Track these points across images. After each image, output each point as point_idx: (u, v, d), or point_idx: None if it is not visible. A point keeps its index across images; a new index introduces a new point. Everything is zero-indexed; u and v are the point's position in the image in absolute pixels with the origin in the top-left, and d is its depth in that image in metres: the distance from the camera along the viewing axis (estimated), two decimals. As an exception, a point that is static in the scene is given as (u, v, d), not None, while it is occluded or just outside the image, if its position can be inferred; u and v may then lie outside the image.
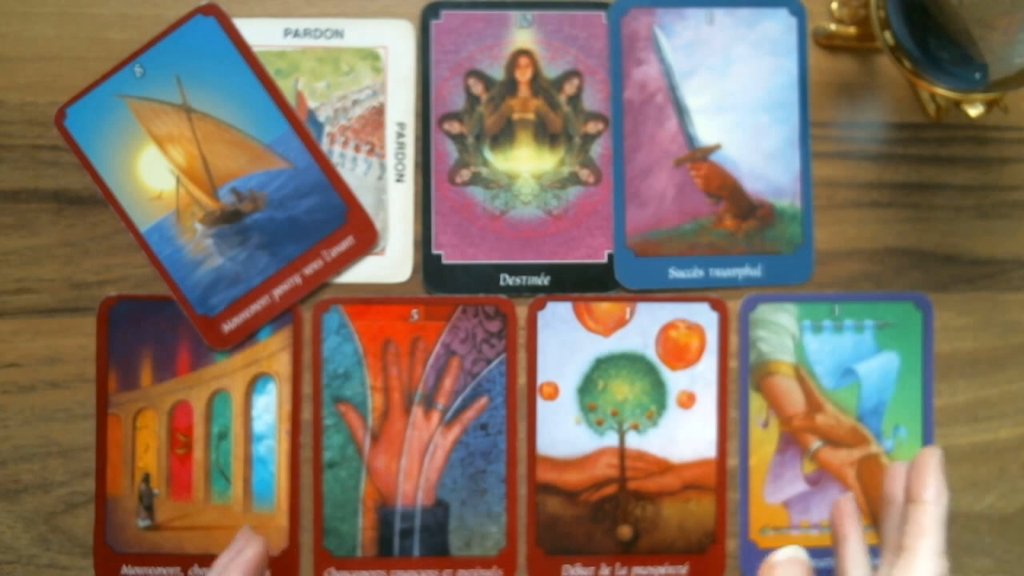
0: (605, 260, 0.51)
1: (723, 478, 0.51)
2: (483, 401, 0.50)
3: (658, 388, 0.51)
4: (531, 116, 0.51)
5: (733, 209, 0.51)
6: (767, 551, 0.51)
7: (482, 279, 0.51)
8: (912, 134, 0.53)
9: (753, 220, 0.52)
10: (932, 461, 0.41)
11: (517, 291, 0.51)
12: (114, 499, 0.50)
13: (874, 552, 0.52)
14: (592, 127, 0.51)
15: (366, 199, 0.50)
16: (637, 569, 0.51)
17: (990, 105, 0.48)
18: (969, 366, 0.53)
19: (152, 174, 0.50)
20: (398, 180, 0.51)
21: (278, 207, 0.50)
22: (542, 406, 0.51)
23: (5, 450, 0.50)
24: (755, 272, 0.51)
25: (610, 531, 0.51)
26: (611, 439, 0.51)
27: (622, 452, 0.51)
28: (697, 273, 0.51)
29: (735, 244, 0.51)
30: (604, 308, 0.51)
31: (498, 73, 0.51)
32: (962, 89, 0.47)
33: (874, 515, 0.52)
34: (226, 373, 0.50)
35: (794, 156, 0.52)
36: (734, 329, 0.51)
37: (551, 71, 0.51)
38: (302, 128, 0.50)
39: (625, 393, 0.51)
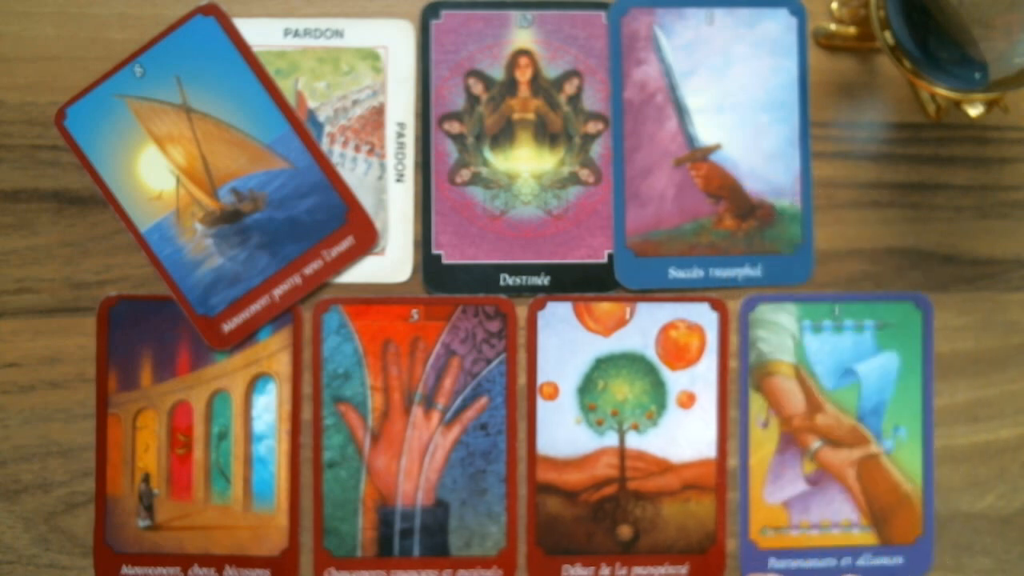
0: (605, 260, 0.51)
1: (723, 478, 0.51)
2: (483, 401, 0.50)
3: (658, 388, 0.51)
4: (531, 116, 0.51)
5: (733, 209, 0.51)
6: (767, 551, 0.51)
7: (482, 279, 0.51)
8: (912, 134, 0.53)
9: (753, 220, 0.52)
10: None
11: (517, 291, 0.51)
12: (114, 499, 0.50)
13: (874, 552, 0.52)
14: (592, 127, 0.51)
15: (366, 199, 0.50)
16: (637, 569, 0.51)
17: (990, 105, 0.48)
18: (969, 366, 0.52)
19: (152, 174, 0.50)
20: (398, 180, 0.51)
21: (278, 207, 0.50)
22: (542, 406, 0.51)
23: (5, 450, 0.50)
24: (755, 272, 0.51)
25: (610, 531, 0.51)
26: (611, 439, 0.51)
27: (622, 452, 0.51)
28: (697, 273, 0.51)
29: (735, 244, 0.51)
30: (604, 308, 0.51)
31: (498, 73, 0.51)
32: (962, 89, 0.47)
33: (874, 515, 0.52)
34: (226, 373, 0.50)
35: (794, 156, 0.52)
36: (734, 329, 0.51)
37: (551, 71, 0.51)
38: (302, 128, 0.50)
39: (625, 393, 0.51)
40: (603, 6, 0.51)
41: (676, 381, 0.51)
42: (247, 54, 0.50)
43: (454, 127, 0.51)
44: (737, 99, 0.52)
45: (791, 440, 0.51)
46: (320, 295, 0.51)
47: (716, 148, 0.51)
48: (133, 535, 0.50)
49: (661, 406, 0.51)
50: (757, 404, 0.51)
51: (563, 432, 0.51)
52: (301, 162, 0.50)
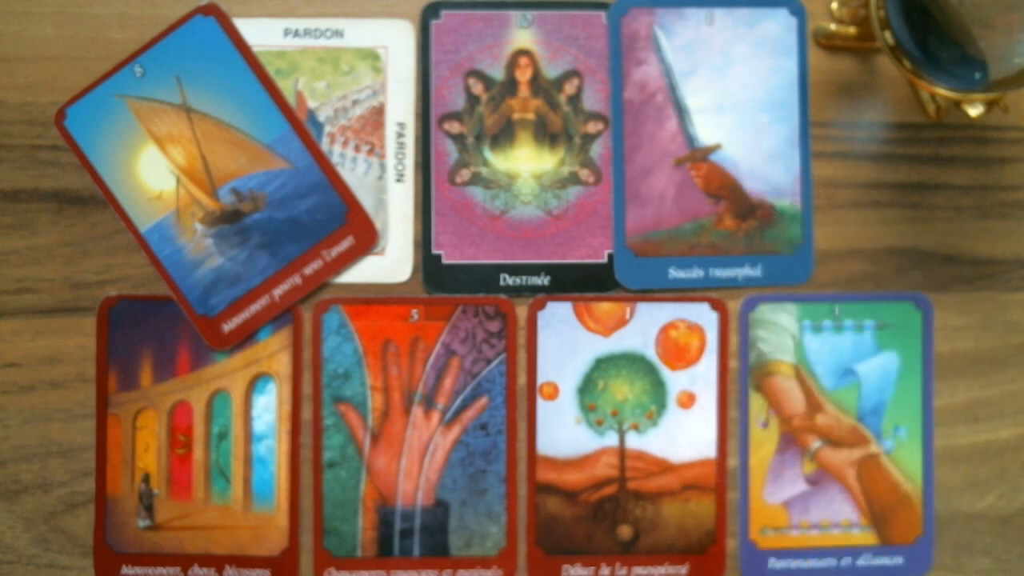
0: (605, 260, 0.51)
1: (723, 478, 0.51)
2: (483, 401, 0.50)
3: (658, 388, 0.51)
4: (531, 116, 0.51)
5: (733, 209, 0.51)
6: (767, 551, 0.51)
7: (482, 279, 0.51)
8: (912, 134, 0.53)
9: (753, 220, 0.52)
10: None
11: (517, 291, 0.51)
12: (114, 499, 0.50)
13: (874, 552, 0.52)
14: (592, 127, 0.51)
15: (366, 199, 0.50)
16: (637, 569, 0.51)
17: (990, 105, 0.48)
18: (969, 366, 0.52)
19: (152, 174, 0.50)
20: (398, 180, 0.51)
21: (278, 207, 0.50)
22: (542, 406, 0.51)
23: (5, 450, 0.50)
24: (755, 272, 0.51)
25: (610, 531, 0.51)
26: (611, 439, 0.51)
27: (622, 452, 0.51)
28: (697, 273, 0.51)
29: (735, 244, 0.51)
30: (604, 308, 0.51)
31: (498, 73, 0.51)
32: (962, 89, 0.47)
33: (874, 515, 0.52)
34: (226, 373, 0.50)
35: (794, 156, 0.52)
36: (734, 329, 0.51)
37: (551, 71, 0.51)
38: (302, 128, 0.50)
39: (625, 393, 0.51)
40: (603, 6, 0.51)
41: (676, 381, 0.51)
42: (247, 54, 0.50)
43: (454, 127, 0.51)
44: (737, 99, 0.52)
45: (791, 440, 0.51)
46: (320, 295, 0.51)
47: (716, 148, 0.51)
48: (133, 535, 0.50)
49: (661, 406, 0.51)
50: (757, 404, 0.51)
51: (563, 432, 0.51)
52: (301, 162, 0.50)
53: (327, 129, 0.51)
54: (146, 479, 0.50)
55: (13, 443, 0.50)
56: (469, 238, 0.51)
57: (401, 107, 0.51)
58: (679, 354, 0.51)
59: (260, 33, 0.50)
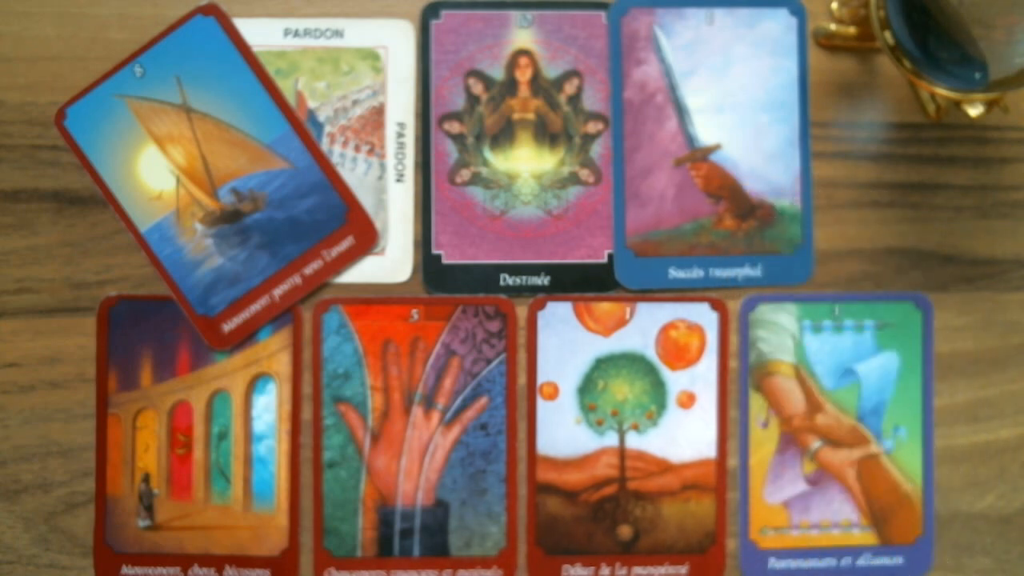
0: (605, 260, 0.51)
1: (723, 478, 0.51)
2: (483, 401, 0.50)
3: (658, 388, 0.51)
4: (531, 116, 0.51)
5: (733, 209, 0.51)
6: (767, 551, 0.51)
7: (482, 279, 0.51)
8: (912, 134, 0.53)
9: (753, 220, 0.52)
10: None
11: (517, 291, 0.51)
12: (114, 499, 0.50)
13: (874, 552, 0.52)
14: (592, 127, 0.51)
15: (366, 199, 0.50)
16: (637, 569, 0.51)
17: (990, 105, 0.48)
18: (969, 366, 0.52)
19: (152, 174, 0.50)
20: (398, 180, 0.51)
21: (278, 207, 0.50)
22: (542, 406, 0.51)
23: (5, 450, 0.50)
24: (755, 272, 0.51)
25: (610, 531, 0.51)
26: (611, 439, 0.51)
27: (622, 452, 0.51)
28: (697, 273, 0.51)
29: (735, 244, 0.51)
30: (604, 308, 0.51)
31: (498, 73, 0.51)
32: (962, 89, 0.47)
33: (874, 515, 0.52)
34: (226, 373, 0.50)
35: (794, 156, 0.52)
36: (734, 329, 0.51)
37: (551, 71, 0.51)
38: (302, 128, 0.50)
39: (625, 393, 0.51)
40: (603, 6, 0.51)
41: (676, 381, 0.51)
42: (247, 54, 0.50)
43: (454, 127, 0.51)
44: (737, 99, 0.52)
45: (791, 440, 0.51)
46: (320, 295, 0.51)
47: (716, 148, 0.51)
48: (133, 535, 0.50)
49: (661, 406, 0.51)
50: (757, 404, 0.51)
51: (563, 432, 0.51)
52: (301, 162, 0.50)
53: (327, 129, 0.51)
54: (146, 479, 0.50)
55: (13, 443, 0.50)
56: (469, 238, 0.51)
57: (401, 107, 0.51)
58: (679, 354, 0.51)
59: (260, 33, 0.50)
